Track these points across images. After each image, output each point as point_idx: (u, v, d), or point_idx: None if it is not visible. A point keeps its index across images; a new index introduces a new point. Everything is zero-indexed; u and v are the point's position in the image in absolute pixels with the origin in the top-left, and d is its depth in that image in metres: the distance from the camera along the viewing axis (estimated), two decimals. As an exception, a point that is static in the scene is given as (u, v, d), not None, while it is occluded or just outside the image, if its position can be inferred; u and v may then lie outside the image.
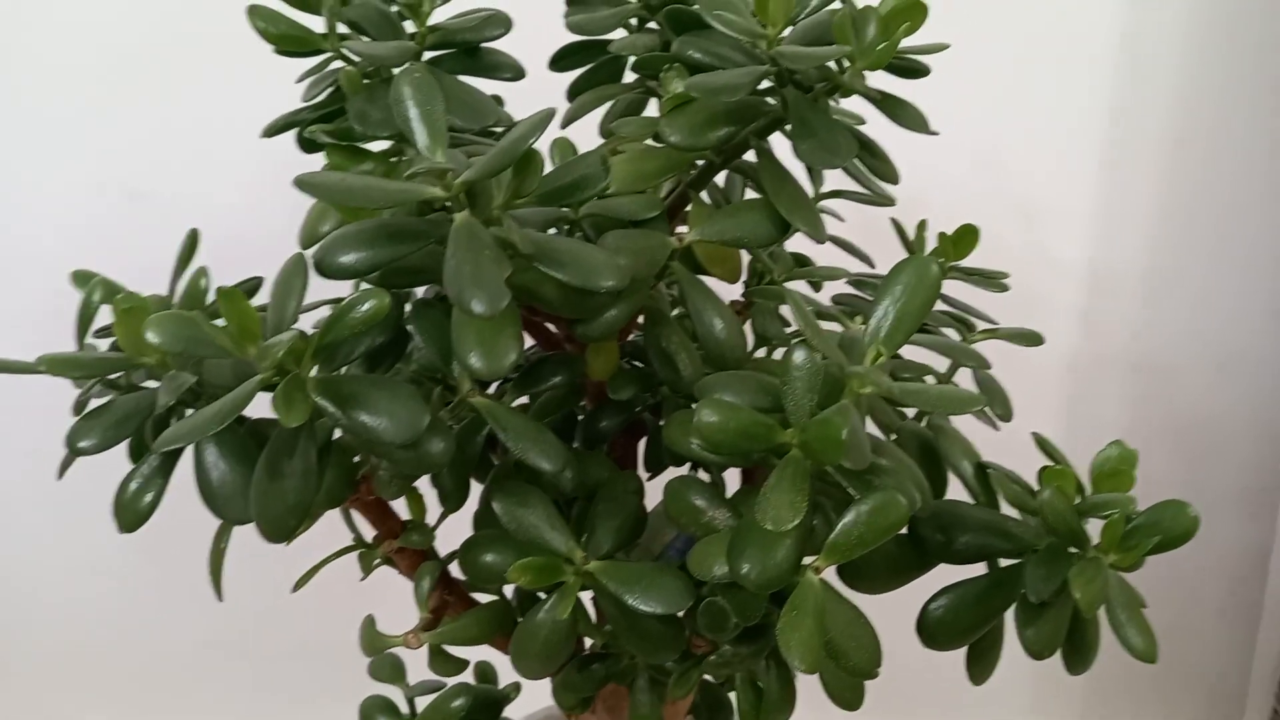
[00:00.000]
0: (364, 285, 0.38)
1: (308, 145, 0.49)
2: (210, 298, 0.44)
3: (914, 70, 0.41)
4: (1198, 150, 0.92)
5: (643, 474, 0.54)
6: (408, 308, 0.40)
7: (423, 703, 0.53)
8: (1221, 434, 1.00)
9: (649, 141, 0.45)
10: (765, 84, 0.41)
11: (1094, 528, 0.39)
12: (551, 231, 0.40)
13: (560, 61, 0.55)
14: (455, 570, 0.46)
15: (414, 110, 0.36)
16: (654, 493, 0.51)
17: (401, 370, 0.41)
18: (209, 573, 0.43)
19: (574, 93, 0.56)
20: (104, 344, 0.44)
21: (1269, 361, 0.97)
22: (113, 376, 0.40)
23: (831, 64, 0.41)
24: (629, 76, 0.56)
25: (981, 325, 0.54)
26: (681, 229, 0.45)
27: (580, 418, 0.49)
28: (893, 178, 0.44)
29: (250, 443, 0.38)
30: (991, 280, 0.54)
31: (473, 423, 0.42)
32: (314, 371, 0.35)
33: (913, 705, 0.92)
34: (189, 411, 0.37)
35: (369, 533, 0.48)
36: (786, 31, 0.40)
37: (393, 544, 0.46)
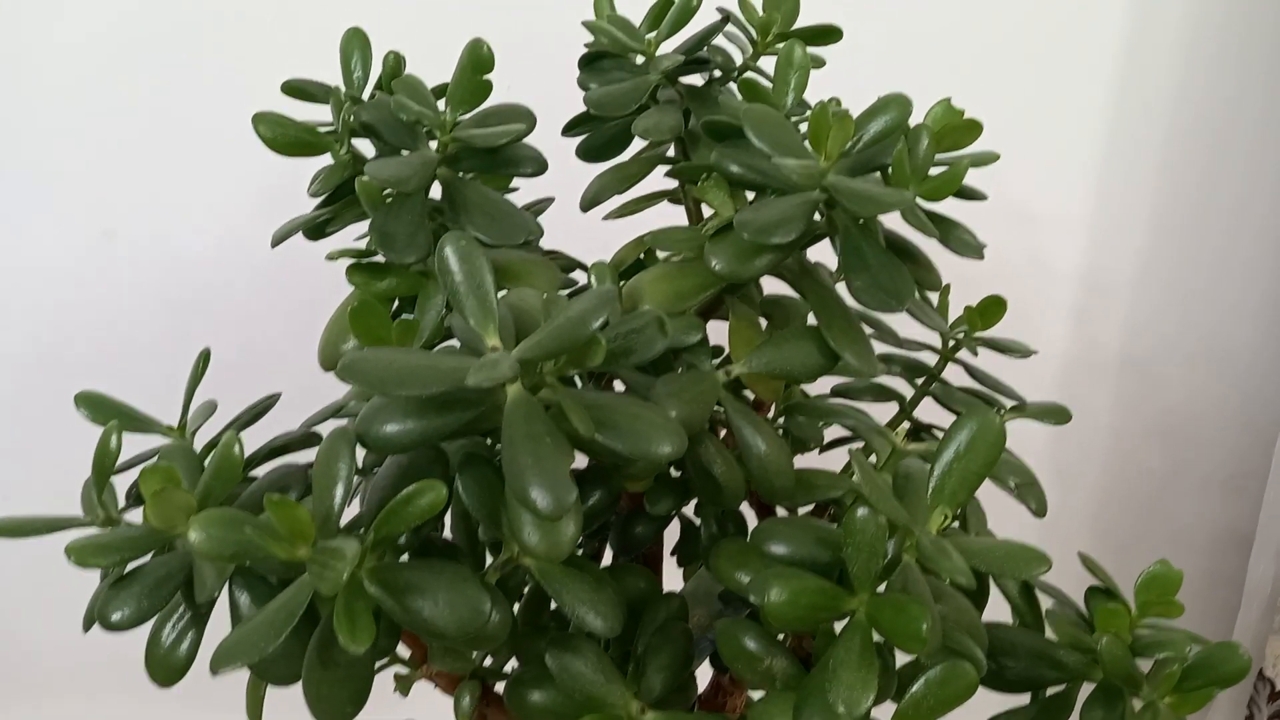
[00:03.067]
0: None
1: (314, 234, 0.46)
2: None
3: (973, 196, 0.39)
4: (1190, 156, 0.92)
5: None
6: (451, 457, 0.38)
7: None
8: (1207, 426, 1.02)
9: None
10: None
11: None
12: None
13: (573, 129, 0.53)
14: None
15: (462, 281, 0.34)
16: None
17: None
18: (248, 714, 0.42)
19: (584, 153, 0.54)
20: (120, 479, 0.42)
21: (1253, 358, 0.99)
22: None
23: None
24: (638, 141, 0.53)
25: (1008, 403, 0.53)
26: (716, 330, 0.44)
27: (613, 521, 0.48)
28: (936, 286, 0.43)
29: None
30: (1019, 352, 0.54)
31: (517, 571, 0.40)
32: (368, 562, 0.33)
33: None
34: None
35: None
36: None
37: (432, 667, 0.45)
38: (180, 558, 0.38)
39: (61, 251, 0.80)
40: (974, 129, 0.39)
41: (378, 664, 0.47)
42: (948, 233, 0.40)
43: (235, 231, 0.72)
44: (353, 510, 0.37)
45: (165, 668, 0.39)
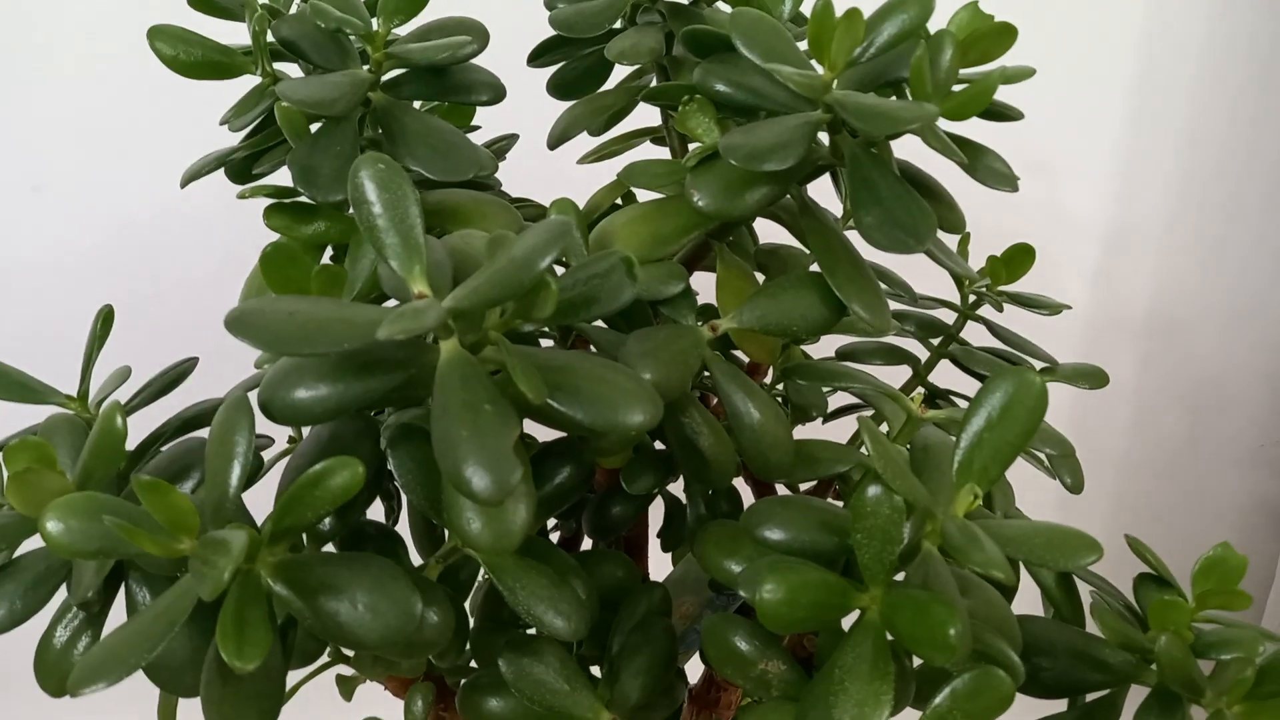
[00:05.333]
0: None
1: (238, 175, 0.40)
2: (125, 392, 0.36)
3: (1004, 115, 0.33)
4: (1221, 103, 0.85)
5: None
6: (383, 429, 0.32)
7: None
8: (1236, 390, 0.95)
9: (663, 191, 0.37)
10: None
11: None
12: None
13: (540, 58, 0.46)
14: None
15: (381, 214, 0.27)
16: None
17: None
18: (160, 729, 0.37)
19: (556, 88, 0.47)
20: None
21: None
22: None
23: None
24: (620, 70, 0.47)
25: (1038, 364, 0.47)
26: (703, 284, 0.38)
27: (588, 501, 0.42)
28: (960, 227, 0.37)
29: (202, 604, 0.31)
30: (1049, 308, 0.47)
31: (467, 563, 0.35)
32: (270, 556, 0.27)
33: None
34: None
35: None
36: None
37: (379, 670, 0.39)
38: (64, 551, 0.32)
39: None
40: (1007, 36, 0.33)
41: (319, 663, 0.41)
42: (976, 160, 0.34)
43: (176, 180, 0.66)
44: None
45: (56, 675, 0.34)
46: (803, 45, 0.34)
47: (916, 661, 0.31)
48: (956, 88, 0.33)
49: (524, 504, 0.28)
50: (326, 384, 0.28)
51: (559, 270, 0.30)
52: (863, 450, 0.36)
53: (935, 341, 0.49)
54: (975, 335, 0.50)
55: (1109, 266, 0.91)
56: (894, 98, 0.34)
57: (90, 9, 0.72)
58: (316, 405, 0.28)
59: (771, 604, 0.28)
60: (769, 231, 0.44)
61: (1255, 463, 0.96)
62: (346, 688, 0.40)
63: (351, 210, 0.34)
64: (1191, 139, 0.87)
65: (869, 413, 0.43)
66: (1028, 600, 0.38)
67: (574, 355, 0.30)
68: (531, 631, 0.35)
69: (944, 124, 0.34)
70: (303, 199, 0.36)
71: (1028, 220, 0.71)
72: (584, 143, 0.49)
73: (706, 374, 0.36)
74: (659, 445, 0.41)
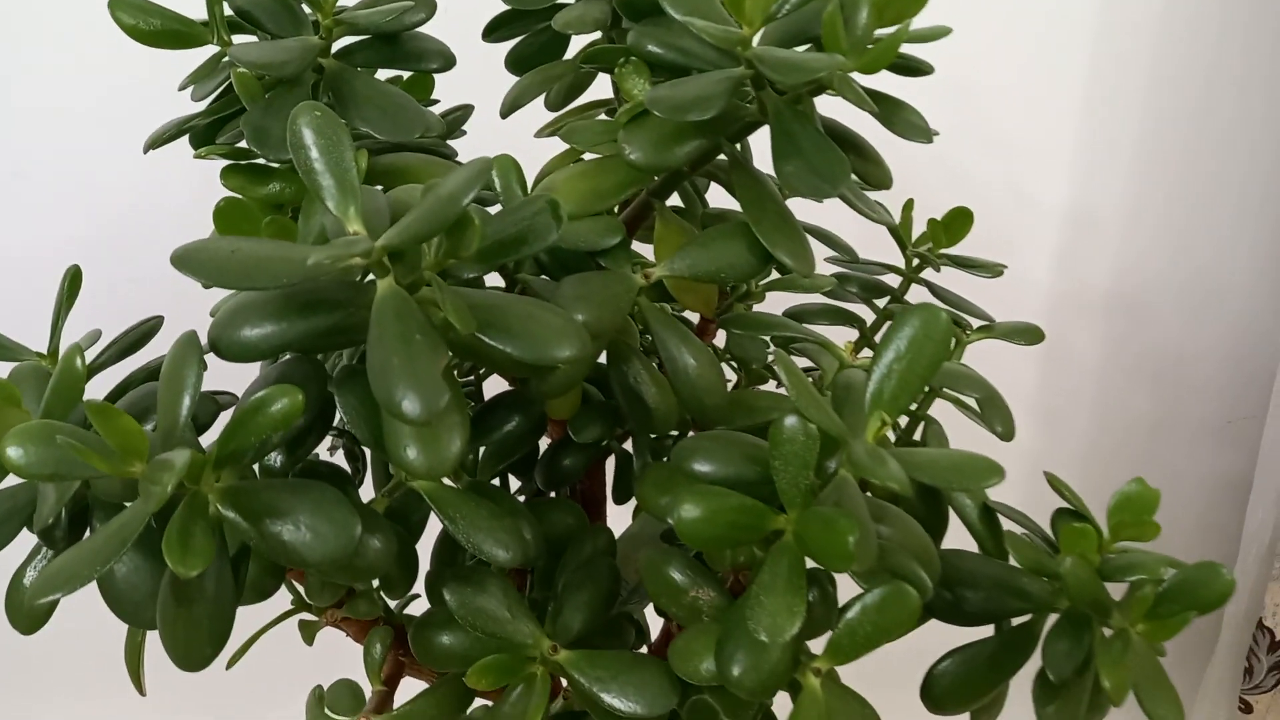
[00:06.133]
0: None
1: (200, 144, 0.42)
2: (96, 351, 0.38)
3: (915, 70, 0.35)
4: (1180, 82, 0.87)
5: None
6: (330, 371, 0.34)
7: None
8: (1199, 370, 0.97)
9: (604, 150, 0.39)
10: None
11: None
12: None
13: (495, 32, 0.48)
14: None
15: (318, 159, 0.29)
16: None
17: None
18: (127, 669, 0.38)
19: (514, 63, 0.49)
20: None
21: (1247, 297, 0.94)
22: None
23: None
24: (577, 41, 0.49)
25: (976, 323, 0.49)
26: (645, 250, 0.39)
27: (541, 453, 0.44)
28: (885, 183, 0.39)
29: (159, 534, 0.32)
30: (988, 269, 0.49)
31: (410, 497, 0.36)
32: (217, 480, 0.29)
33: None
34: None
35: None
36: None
37: (336, 613, 0.41)
38: (28, 489, 0.33)
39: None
40: (919, -6, 0.34)
41: (281, 612, 0.43)
42: (891, 113, 0.36)
43: (159, 170, 0.68)
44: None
45: (27, 615, 0.35)
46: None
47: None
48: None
49: (457, 433, 0.30)
50: (271, 322, 0.30)
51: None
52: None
53: (880, 303, 0.50)
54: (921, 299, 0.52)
55: (1073, 248, 0.93)
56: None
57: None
58: (262, 342, 0.30)
59: (689, 522, 0.30)
60: (720, 200, 0.45)
61: (1220, 440, 0.98)
62: (308, 632, 0.42)
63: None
64: (1151, 120, 0.89)
65: (804, 363, 0.44)
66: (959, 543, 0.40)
67: (508, 296, 0.32)
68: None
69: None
70: (259, 161, 0.38)
71: (986, 199, 0.73)
72: (542, 118, 0.51)
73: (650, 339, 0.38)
74: (608, 401, 0.43)
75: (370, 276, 0.30)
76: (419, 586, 0.42)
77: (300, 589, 0.43)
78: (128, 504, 0.30)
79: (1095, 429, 0.97)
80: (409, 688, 0.43)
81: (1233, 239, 0.93)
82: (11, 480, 0.33)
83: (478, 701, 0.41)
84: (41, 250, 0.74)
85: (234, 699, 0.94)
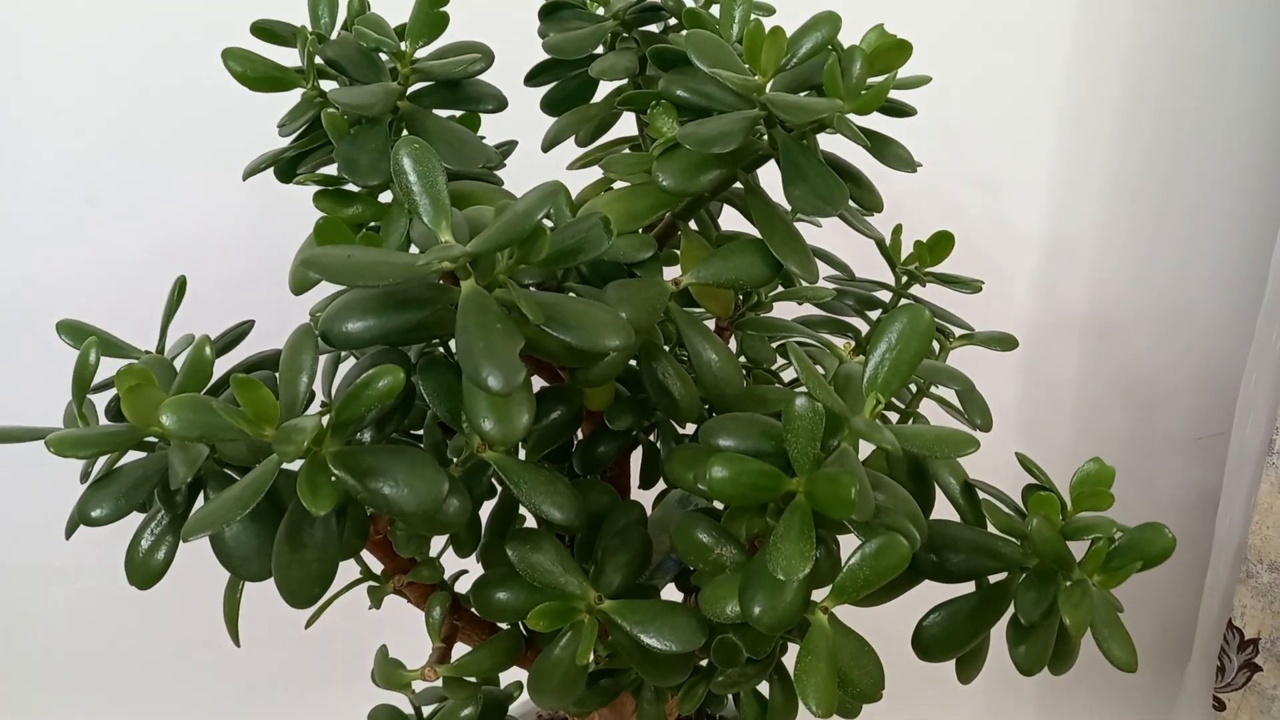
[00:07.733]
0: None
1: (284, 175, 0.48)
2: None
3: (900, 112, 0.42)
4: (1149, 118, 0.95)
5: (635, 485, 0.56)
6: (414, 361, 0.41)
7: (429, 709, 0.55)
8: (1170, 387, 1.04)
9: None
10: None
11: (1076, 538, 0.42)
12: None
13: (536, 78, 0.55)
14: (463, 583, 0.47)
15: (416, 182, 0.36)
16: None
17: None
18: (225, 621, 0.44)
19: (549, 105, 0.56)
20: (100, 398, 0.44)
21: (1212, 318, 1.01)
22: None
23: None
24: (603, 86, 0.56)
25: (958, 331, 0.55)
26: (673, 271, 0.46)
27: (577, 442, 0.50)
28: (877, 207, 0.45)
29: (264, 502, 0.38)
30: (967, 285, 0.56)
31: (478, 467, 0.42)
32: (330, 445, 0.35)
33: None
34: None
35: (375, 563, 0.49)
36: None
37: (403, 579, 0.47)
38: (156, 460, 0.39)
39: (43, 220, 0.83)
40: (905, 49, 0.41)
41: (350, 580, 0.49)
42: (883, 148, 0.42)
43: (221, 198, 0.75)
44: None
45: (143, 572, 0.41)
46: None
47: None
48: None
49: (525, 409, 0.36)
50: (372, 316, 0.36)
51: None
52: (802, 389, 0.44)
53: (874, 315, 0.57)
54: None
55: (1050, 273, 1.00)
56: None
57: (147, 38, 0.81)
58: (365, 333, 0.36)
59: (718, 480, 0.36)
60: (731, 223, 0.52)
61: (1191, 454, 1.05)
62: (376, 596, 0.48)
63: (386, 191, 0.42)
64: (1120, 155, 0.96)
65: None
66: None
67: (564, 296, 0.39)
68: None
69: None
70: (344, 187, 0.45)
71: (969, 228, 0.79)
72: (574, 154, 0.58)
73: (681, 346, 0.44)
74: (636, 395, 0.49)
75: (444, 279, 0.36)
76: (469, 563, 0.48)
77: (367, 563, 0.49)
78: (251, 468, 0.36)
79: (1074, 443, 1.04)
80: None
81: (1198, 266, 1.00)
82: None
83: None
84: (115, 266, 0.80)
85: (249, 697, 0.99)
